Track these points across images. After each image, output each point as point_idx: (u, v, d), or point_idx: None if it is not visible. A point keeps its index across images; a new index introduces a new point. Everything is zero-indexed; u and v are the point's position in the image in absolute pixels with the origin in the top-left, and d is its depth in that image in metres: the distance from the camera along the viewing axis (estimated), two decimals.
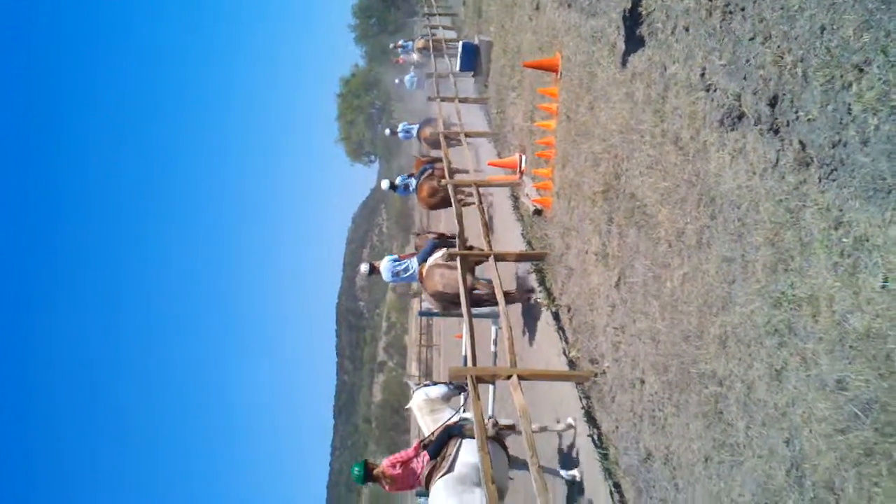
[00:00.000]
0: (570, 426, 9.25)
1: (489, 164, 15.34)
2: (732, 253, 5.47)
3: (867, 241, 4.07)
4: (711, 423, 5.76)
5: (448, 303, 11.73)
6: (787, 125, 4.82)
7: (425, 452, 8.49)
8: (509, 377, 8.17)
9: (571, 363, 9.48)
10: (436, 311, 12.58)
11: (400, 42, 40.86)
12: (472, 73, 20.12)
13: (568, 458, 9.26)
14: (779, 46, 4.91)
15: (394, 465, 8.67)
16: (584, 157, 9.27)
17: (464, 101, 19.86)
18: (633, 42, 7.65)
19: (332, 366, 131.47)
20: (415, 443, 8.78)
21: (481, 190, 13.51)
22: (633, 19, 7.65)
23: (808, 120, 4.58)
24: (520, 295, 12.22)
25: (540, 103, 11.91)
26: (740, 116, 5.42)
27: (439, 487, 8.04)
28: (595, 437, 8.49)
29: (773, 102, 4.97)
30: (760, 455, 5.06)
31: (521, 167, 13.18)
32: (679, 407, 6.35)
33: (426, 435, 8.78)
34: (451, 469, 8.12)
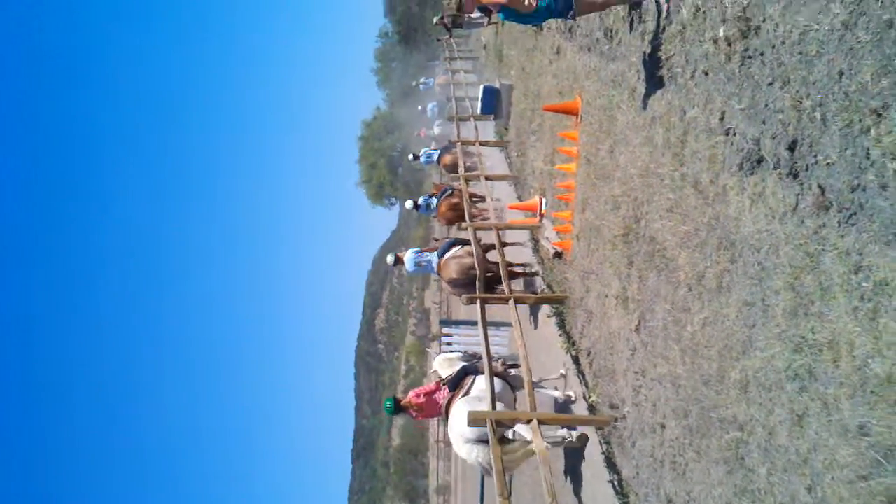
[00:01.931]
0: (562, 375, 10.81)
1: (509, 208, 15.37)
2: (752, 297, 5.45)
3: (887, 285, 4.05)
4: (733, 469, 5.69)
5: (462, 287, 12.97)
6: (807, 169, 4.82)
7: (445, 387, 10.11)
8: (529, 421, 8.13)
9: (591, 408, 9.42)
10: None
11: (422, 80, 41.59)
12: (493, 116, 20.25)
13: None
14: (797, 91, 4.93)
15: (419, 395, 10.37)
16: (603, 201, 9.29)
17: (484, 144, 19.99)
18: (653, 86, 7.70)
19: (351, 409, 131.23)
20: (434, 381, 10.54)
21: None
22: (652, 64, 7.70)
23: (827, 164, 4.58)
24: (525, 275, 13.77)
25: (560, 146, 11.96)
26: (759, 160, 5.43)
27: (459, 405, 9.51)
28: (615, 482, 8.41)
29: (792, 146, 4.98)
30: (782, 502, 5.00)
31: (541, 210, 13.20)
32: (700, 452, 6.29)
33: (444, 378, 10.46)
34: (467, 394, 9.76)
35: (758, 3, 5.48)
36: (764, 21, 5.40)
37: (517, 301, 10.64)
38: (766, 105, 5.34)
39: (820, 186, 4.66)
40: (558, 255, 11.79)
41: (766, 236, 5.28)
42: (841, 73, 4.45)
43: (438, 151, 24.06)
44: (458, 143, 19.89)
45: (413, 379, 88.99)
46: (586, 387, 9.80)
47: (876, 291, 4.14)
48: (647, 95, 7.84)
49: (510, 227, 14.43)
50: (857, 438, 4.24)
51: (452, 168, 21.30)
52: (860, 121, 4.27)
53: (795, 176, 4.95)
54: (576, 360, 10.42)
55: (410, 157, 27.63)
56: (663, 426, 7.12)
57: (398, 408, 10.49)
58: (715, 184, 6.11)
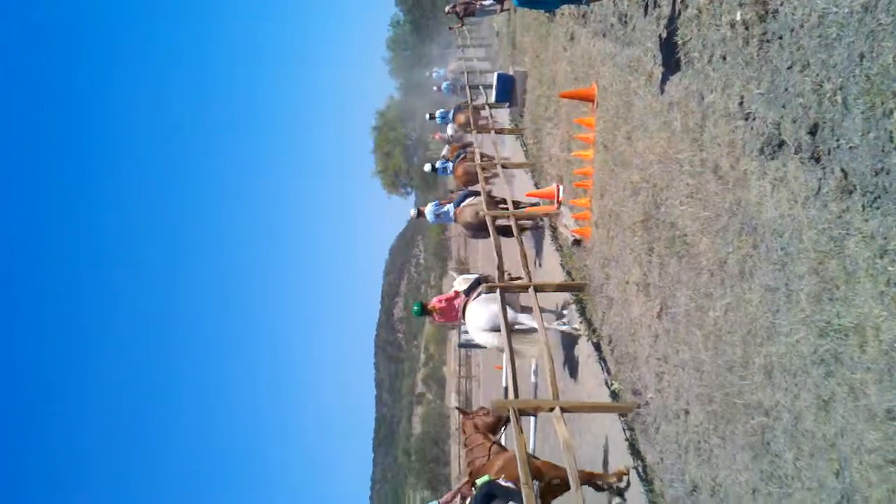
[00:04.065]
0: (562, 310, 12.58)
1: (527, 196, 15.37)
2: (776, 282, 5.43)
3: None
4: (759, 455, 5.69)
5: (476, 231, 15.26)
6: (829, 153, 4.79)
7: (462, 295, 12.12)
8: (552, 409, 8.14)
9: (614, 394, 9.42)
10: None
11: (434, 69, 41.87)
12: (508, 103, 20.19)
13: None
14: (817, 74, 4.90)
15: (440, 301, 12.48)
16: (622, 187, 9.26)
17: (500, 132, 19.98)
18: (670, 71, 7.66)
19: (371, 398, 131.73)
20: (454, 291, 12.45)
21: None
22: (668, 48, 7.66)
23: (850, 148, 4.55)
24: (533, 224, 15.48)
25: (577, 133, 11.93)
26: (780, 145, 5.40)
27: (473, 304, 11.82)
28: (640, 469, 8.41)
29: (813, 130, 4.95)
30: (810, 487, 4.99)
31: (558, 197, 13.18)
32: (725, 438, 6.28)
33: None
34: (479, 296, 11.76)
35: None
36: (781, 4, 5.36)
37: (537, 289, 10.63)
38: (786, 89, 5.30)
39: (843, 170, 4.63)
40: (577, 242, 11.78)
41: (789, 221, 5.25)
42: (862, 56, 4.42)
43: (452, 111, 25.64)
44: (474, 131, 19.91)
45: (433, 367, 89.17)
46: (608, 373, 9.80)
47: None
48: (664, 80, 7.80)
49: (527, 217, 14.42)
50: (885, 423, 4.22)
51: (466, 126, 22.92)
52: (882, 104, 4.23)
53: (817, 160, 4.92)
54: (597, 347, 10.42)
55: (427, 116, 29.95)
56: (687, 412, 7.12)
57: (424, 310, 12.67)
58: (735, 169, 6.08)
